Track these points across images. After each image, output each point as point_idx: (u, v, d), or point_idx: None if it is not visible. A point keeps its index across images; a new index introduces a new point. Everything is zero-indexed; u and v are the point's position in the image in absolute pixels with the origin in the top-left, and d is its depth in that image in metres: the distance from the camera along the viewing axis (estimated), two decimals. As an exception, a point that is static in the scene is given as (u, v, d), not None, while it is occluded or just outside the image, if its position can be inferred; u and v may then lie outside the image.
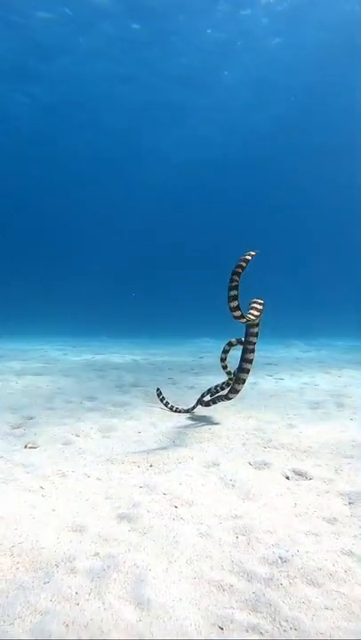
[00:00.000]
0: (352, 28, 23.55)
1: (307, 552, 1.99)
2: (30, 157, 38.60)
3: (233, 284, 3.36)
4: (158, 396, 5.61)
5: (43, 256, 48.81)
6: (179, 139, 34.64)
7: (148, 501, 2.60)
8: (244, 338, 4.03)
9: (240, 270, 3.31)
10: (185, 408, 5.48)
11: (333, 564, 1.88)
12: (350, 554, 1.98)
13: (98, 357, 12.11)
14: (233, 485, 2.89)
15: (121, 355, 13.09)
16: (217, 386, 5.11)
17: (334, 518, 2.42)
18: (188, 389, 7.27)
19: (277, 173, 41.14)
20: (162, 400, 5.59)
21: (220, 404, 5.58)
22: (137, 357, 12.50)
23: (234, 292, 3.40)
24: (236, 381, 4.26)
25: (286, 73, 27.35)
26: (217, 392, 5.10)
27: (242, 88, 28.69)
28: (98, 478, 3.06)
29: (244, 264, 3.30)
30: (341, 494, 2.73)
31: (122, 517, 2.42)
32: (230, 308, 3.51)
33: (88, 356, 12.42)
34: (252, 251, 3.36)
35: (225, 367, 5.05)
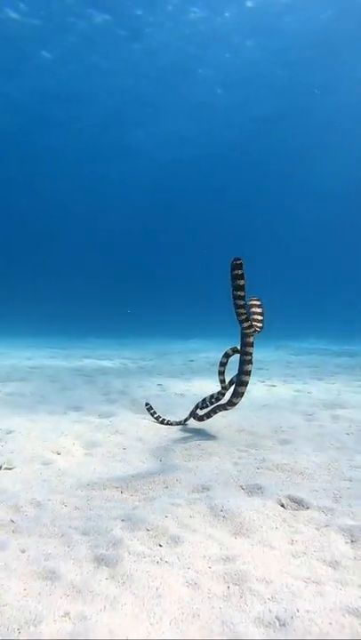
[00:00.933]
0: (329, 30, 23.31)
1: (307, 611, 1.74)
2: (6, 156, 37.92)
3: (240, 310, 3.36)
4: (149, 410, 5.31)
5: (28, 257, 48.27)
6: (157, 136, 34.25)
7: (129, 539, 2.34)
8: (241, 348, 3.78)
9: (242, 293, 3.23)
10: (176, 420, 5.22)
11: (340, 630, 1.63)
12: (357, 613, 1.74)
13: (86, 361, 11.84)
14: (224, 517, 2.64)
15: (110, 358, 12.83)
16: (212, 396, 4.82)
17: (336, 561, 2.18)
18: (179, 397, 7.02)
19: (259, 174, 40.93)
20: (153, 414, 5.30)
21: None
22: (126, 361, 12.24)
23: (242, 315, 3.41)
24: (234, 394, 4.04)
25: (263, 73, 27.02)
26: (211, 404, 4.81)
27: (218, 87, 28.35)
28: (76, 507, 2.79)
29: (241, 282, 3.15)
30: (343, 530, 2.49)
31: (100, 560, 2.16)
32: (243, 327, 3.55)
33: (76, 360, 12.13)
34: (236, 262, 3.14)
35: (222, 381, 4.76)
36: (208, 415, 4.82)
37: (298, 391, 7.59)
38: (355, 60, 25.32)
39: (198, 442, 4.41)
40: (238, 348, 4.49)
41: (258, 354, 13.44)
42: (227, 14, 23.05)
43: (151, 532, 2.40)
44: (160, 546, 2.31)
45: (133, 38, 23.96)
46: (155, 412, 5.26)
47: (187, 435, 4.71)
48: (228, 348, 4.65)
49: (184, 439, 4.54)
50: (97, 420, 5.28)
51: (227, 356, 4.66)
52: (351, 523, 2.55)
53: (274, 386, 8.10)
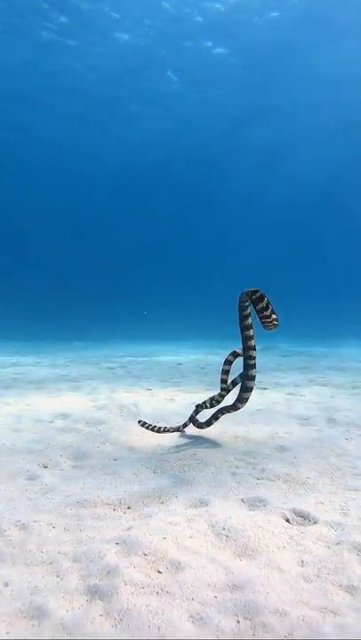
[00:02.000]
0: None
1: (332, 651, 1.54)
2: None
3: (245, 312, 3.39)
4: (143, 426, 5.00)
5: (7, 260, 47.57)
6: (116, 140, 33.88)
7: (125, 566, 2.12)
8: (243, 352, 3.62)
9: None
10: (174, 427, 4.96)
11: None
12: (387, 651, 1.54)
13: (72, 366, 11.55)
14: (227, 536, 2.44)
15: (95, 362, 12.55)
16: (212, 399, 4.58)
17: (353, 586, 1.98)
18: (169, 402, 6.80)
19: (224, 176, 40.82)
20: (148, 427, 4.98)
21: (203, 419, 5.13)
22: (112, 365, 11.98)
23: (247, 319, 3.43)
24: (239, 400, 3.92)
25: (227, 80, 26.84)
26: (212, 406, 4.57)
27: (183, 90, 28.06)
28: (65, 529, 2.56)
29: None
30: (356, 548, 2.30)
31: (93, 592, 1.94)
32: (245, 334, 3.54)
33: (62, 365, 11.85)
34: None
35: (224, 382, 4.50)
36: (209, 423, 4.60)
37: (290, 394, 7.42)
38: (314, 57, 25.20)
39: (193, 451, 4.20)
40: (240, 351, 4.31)
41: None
42: (198, 17, 22.83)
43: (149, 557, 2.18)
44: (159, 572, 2.10)
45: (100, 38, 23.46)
46: (150, 425, 4.98)
47: (180, 443, 4.50)
48: (229, 353, 4.42)
49: (178, 448, 4.33)
50: (85, 429, 5.05)
51: (228, 362, 4.44)
52: (365, 540, 2.36)
53: (265, 389, 7.92)
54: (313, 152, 34.50)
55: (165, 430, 4.89)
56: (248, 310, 3.57)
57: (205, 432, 4.88)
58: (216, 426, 5.12)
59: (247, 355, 3.59)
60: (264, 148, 33.78)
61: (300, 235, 48.70)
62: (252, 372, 3.63)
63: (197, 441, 4.57)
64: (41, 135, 32.11)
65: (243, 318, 3.55)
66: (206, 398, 4.64)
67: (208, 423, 4.62)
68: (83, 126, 31.97)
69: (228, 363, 4.43)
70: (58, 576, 2.08)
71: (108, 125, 31.93)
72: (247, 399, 3.87)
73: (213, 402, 4.53)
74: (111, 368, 11.32)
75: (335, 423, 5.26)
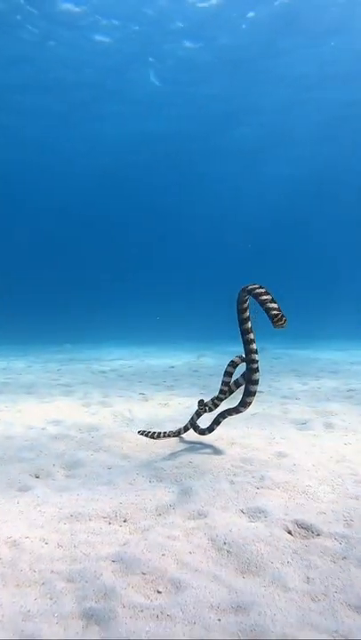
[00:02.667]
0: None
1: None
2: None
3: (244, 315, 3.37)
4: (142, 434, 4.86)
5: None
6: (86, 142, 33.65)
7: (123, 587, 2.01)
8: (245, 355, 3.52)
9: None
10: (173, 431, 4.81)
11: None
12: None
13: (64, 369, 11.40)
14: (228, 551, 2.33)
15: (87, 365, 12.41)
16: (213, 400, 4.46)
17: (364, 605, 1.89)
18: (162, 407, 6.69)
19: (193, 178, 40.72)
20: (147, 434, 4.85)
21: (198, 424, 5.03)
22: (104, 368, 11.85)
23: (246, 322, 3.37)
24: (242, 404, 3.84)
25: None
26: (214, 406, 4.45)
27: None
28: (59, 545, 2.45)
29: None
30: (363, 562, 2.20)
31: (89, 617, 1.82)
32: (245, 338, 3.49)
33: (53, 369, 11.69)
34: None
35: (225, 384, 4.28)
36: (211, 428, 4.49)
37: (285, 397, 7.34)
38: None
39: (189, 458, 4.09)
40: (238, 360, 4.21)
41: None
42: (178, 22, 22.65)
43: (147, 576, 2.07)
44: (159, 592, 1.99)
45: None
46: (149, 432, 4.85)
47: (176, 450, 4.38)
48: (228, 364, 4.26)
49: (173, 455, 4.22)
50: (78, 436, 4.93)
51: (228, 374, 4.28)
52: (372, 554, 2.27)
53: (260, 392, 7.83)
54: (295, 151, 34.47)
55: (166, 435, 4.77)
56: (247, 313, 3.47)
57: (201, 438, 4.78)
58: (213, 432, 5.02)
59: (249, 358, 3.49)
60: (247, 147, 33.72)
61: (285, 234, 48.70)
62: (256, 375, 3.55)
63: (193, 447, 4.46)
64: (21, 134, 31.82)
65: (242, 321, 3.45)
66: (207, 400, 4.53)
67: (210, 429, 4.51)
68: (63, 125, 31.73)
69: (228, 374, 4.23)
70: (51, 599, 1.96)
71: (87, 125, 31.59)
72: (250, 403, 3.79)
73: (216, 400, 4.39)
74: (103, 372, 11.19)
75: (333, 428, 5.17)
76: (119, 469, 3.82)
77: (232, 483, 3.41)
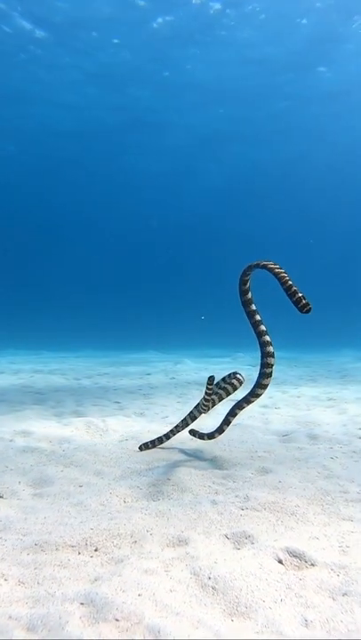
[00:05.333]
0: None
1: None
2: None
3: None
4: (143, 448, 4.54)
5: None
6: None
7: (93, 637, 1.71)
8: (261, 359, 3.25)
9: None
10: (179, 426, 4.42)
11: None
12: None
13: (37, 377, 11.00)
14: (214, 588, 2.05)
15: (62, 372, 12.03)
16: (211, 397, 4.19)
17: (373, 657, 1.63)
18: (139, 416, 6.39)
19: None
20: (148, 446, 4.53)
21: (178, 439, 4.76)
22: (80, 375, 11.49)
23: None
24: (238, 406, 3.81)
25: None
26: (206, 407, 4.17)
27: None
28: (20, 582, 2.13)
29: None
30: (367, 600, 1.95)
31: None
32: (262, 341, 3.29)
33: (26, 375, 11.27)
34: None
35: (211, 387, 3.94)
36: (221, 430, 4.21)
37: (265, 407, 7.11)
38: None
39: (167, 474, 3.80)
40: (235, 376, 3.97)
41: (217, 365, 12.95)
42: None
43: (122, 623, 1.77)
44: (135, 643, 1.70)
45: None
46: (151, 443, 4.53)
47: (153, 465, 4.09)
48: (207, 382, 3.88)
49: (150, 470, 3.92)
50: (48, 449, 4.59)
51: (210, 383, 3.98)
52: (376, 590, 2.01)
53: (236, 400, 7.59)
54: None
55: (175, 431, 4.39)
56: (249, 295, 3.21)
57: (180, 452, 4.50)
58: (191, 444, 4.75)
59: (265, 362, 3.27)
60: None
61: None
62: (267, 380, 3.45)
63: (171, 461, 4.17)
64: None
65: (249, 314, 3.20)
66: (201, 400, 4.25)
67: (220, 430, 4.21)
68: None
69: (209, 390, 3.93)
70: (7, 654, 1.66)
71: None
72: (267, 385, 3.60)
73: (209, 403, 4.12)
74: (78, 379, 10.83)
75: (317, 439, 4.95)
76: (91, 487, 3.51)
77: (214, 503, 3.14)
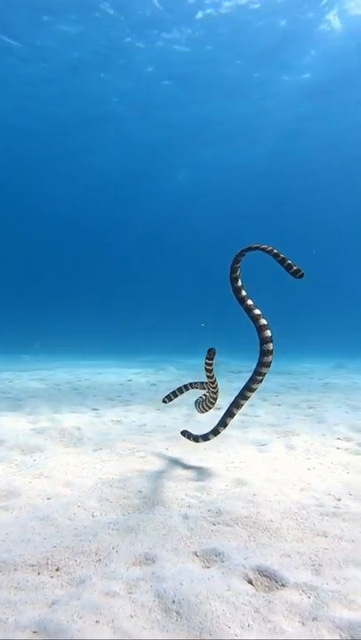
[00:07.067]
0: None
1: None
2: None
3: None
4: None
5: None
6: None
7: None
8: (257, 366, 3.11)
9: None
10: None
11: None
12: None
13: (16, 382, 10.79)
14: (178, 613, 1.94)
15: (42, 377, 11.82)
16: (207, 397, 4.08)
17: None
18: (115, 424, 6.26)
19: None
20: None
21: (151, 445, 4.64)
22: (59, 380, 11.30)
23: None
24: (223, 420, 3.59)
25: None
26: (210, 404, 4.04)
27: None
28: (-29, 607, 2.00)
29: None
30: (337, 626, 1.85)
31: None
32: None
33: (4, 380, 11.05)
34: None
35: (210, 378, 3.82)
36: (223, 424, 3.82)
37: (245, 414, 7.02)
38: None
39: (139, 485, 3.68)
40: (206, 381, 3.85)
41: (198, 372, 12.75)
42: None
43: (75, 654, 1.65)
44: None
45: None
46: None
47: (125, 475, 3.96)
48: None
49: (122, 481, 3.79)
50: (19, 458, 4.44)
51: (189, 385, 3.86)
52: (347, 614, 1.92)
53: (218, 408, 7.49)
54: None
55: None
56: (242, 292, 3.09)
57: (154, 463, 4.38)
58: (166, 454, 4.64)
59: (258, 371, 3.14)
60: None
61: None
62: (256, 385, 3.25)
63: (146, 472, 4.05)
64: None
65: (246, 309, 3.07)
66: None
67: (223, 424, 3.81)
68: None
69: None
70: None
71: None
72: (233, 415, 3.53)
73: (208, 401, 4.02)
74: (57, 384, 10.64)
75: (294, 449, 4.87)
76: (60, 500, 3.37)
77: (185, 517, 3.03)
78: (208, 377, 3.81)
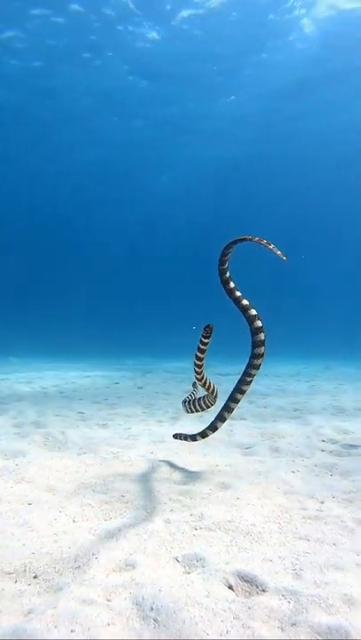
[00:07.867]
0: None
1: None
2: None
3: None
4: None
5: None
6: None
7: None
8: (246, 367, 3.00)
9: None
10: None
11: None
12: None
13: (2, 385, 10.69)
14: (156, 620, 1.92)
15: (28, 380, 11.72)
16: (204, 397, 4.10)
17: None
18: (100, 428, 6.22)
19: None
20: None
21: (136, 449, 4.61)
22: (46, 383, 11.22)
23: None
24: (217, 419, 3.49)
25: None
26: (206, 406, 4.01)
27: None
28: None
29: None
30: (316, 631, 1.84)
31: None
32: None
33: (-12, 384, 10.95)
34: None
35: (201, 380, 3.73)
36: (223, 417, 3.57)
37: (231, 418, 7.00)
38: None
39: (122, 489, 3.65)
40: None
41: (185, 374, 12.66)
42: None
43: (49, 664, 1.62)
44: None
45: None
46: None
47: (109, 480, 3.92)
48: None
49: (105, 486, 3.76)
50: (1, 463, 4.38)
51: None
52: (326, 619, 1.91)
53: (206, 411, 7.47)
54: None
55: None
56: (230, 284, 2.97)
57: (139, 466, 4.35)
58: (151, 458, 4.61)
59: (247, 372, 2.98)
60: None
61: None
62: (246, 387, 3.08)
63: (129, 476, 4.01)
64: None
65: (235, 300, 2.96)
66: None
67: (222, 418, 3.59)
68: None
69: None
70: None
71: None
72: (225, 419, 3.48)
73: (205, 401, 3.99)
74: (44, 387, 10.57)
75: (279, 452, 4.86)
76: (40, 506, 3.33)
77: (167, 522, 3.00)
78: (196, 372, 3.66)
